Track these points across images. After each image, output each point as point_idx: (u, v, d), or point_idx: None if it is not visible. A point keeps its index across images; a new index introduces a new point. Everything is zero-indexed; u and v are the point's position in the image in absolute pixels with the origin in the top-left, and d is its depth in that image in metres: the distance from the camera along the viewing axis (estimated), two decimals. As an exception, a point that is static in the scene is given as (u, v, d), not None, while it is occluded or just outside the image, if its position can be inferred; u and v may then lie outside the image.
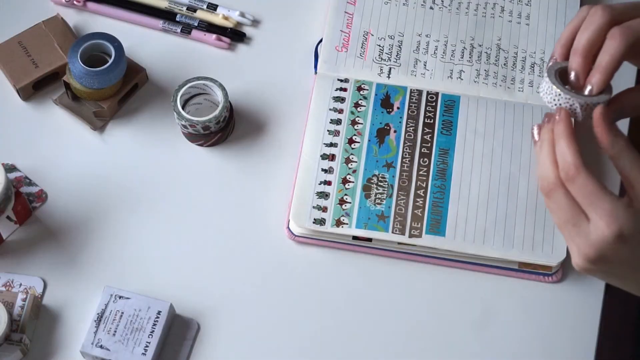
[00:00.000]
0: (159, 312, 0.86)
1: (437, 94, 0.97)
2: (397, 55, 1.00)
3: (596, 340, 0.89)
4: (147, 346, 0.85)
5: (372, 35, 1.00)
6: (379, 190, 0.93)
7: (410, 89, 0.97)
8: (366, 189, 0.93)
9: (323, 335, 0.89)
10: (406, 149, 0.94)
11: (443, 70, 0.99)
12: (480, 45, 1.00)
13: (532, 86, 0.98)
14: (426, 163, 0.94)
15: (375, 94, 0.97)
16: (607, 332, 0.90)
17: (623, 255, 0.74)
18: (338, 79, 0.98)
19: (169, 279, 0.91)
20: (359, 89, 0.97)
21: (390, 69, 0.99)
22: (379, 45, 1.00)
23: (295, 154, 0.95)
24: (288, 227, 0.92)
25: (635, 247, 0.74)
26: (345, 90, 0.97)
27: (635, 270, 0.75)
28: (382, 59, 0.99)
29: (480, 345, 0.88)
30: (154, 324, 0.86)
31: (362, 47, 1.00)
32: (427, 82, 0.98)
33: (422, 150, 0.94)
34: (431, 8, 1.02)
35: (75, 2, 1.02)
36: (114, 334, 0.85)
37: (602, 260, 0.75)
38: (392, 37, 1.01)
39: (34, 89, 0.98)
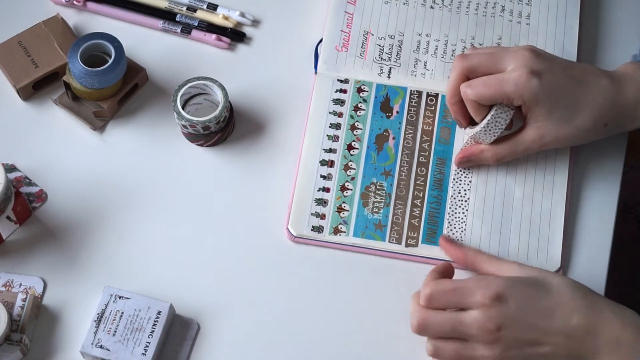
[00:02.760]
0: (159, 312, 0.86)
1: (436, 95, 0.97)
2: (397, 55, 0.99)
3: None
4: (147, 346, 0.85)
5: (372, 35, 1.00)
6: (376, 198, 0.93)
7: (410, 90, 0.97)
8: (364, 197, 0.93)
9: (323, 335, 0.89)
10: (404, 157, 0.94)
11: (443, 70, 0.99)
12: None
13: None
14: (423, 172, 0.94)
15: (375, 96, 0.97)
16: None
17: (512, 315, 0.80)
18: (338, 80, 0.98)
19: (169, 279, 0.91)
20: (359, 90, 0.97)
21: (390, 69, 0.99)
22: (379, 45, 1.00)
23: (295, 154, 0.95)
24: (288, 228, 0.92)
25: (519, 304, 0.80)
26: (345, 91, 0.97)
27: (532, 328, 0.80)
28: (382, 58, 0.99)
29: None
30: (154, 324, 0.86)
31: (362, 47, 1.00)
32: (428, 82, 0.98)
33: (420, 159, 0.94)
34: (431, 7, 1.02)
35: (75, 2, 1.02)
36: (114, 334, 0.85)
37: (503, 328, 0.80)
38: (392, 36, 1.00)
39: (34, 89, 0.98)
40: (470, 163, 0.94)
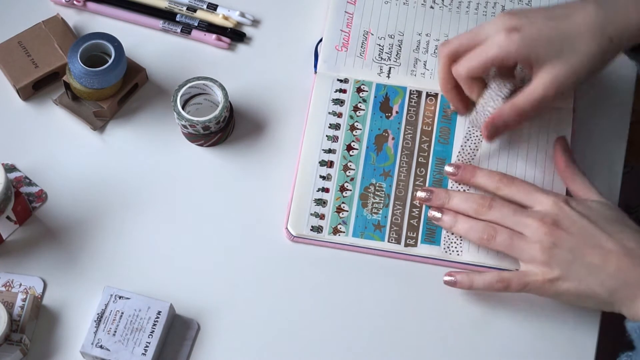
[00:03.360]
0: (159, 312, 0.86)
1: (436, 95, 0.97)
2: (397, 55, 0.99)
3: (596, 341, 0.89)
4: (147, 346, 0.85)
5: (372, 34, 1.00)
6: (375, 199, 0.93)
7: (410, 90, 0.97)
8: (363, 197, 0.93)
9: (323, 334, 0.89)
10: (403, 158, 0.94)
11: (443, 70, 0.99)
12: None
13: (532, 86, 0.98)
14: (422, 173, 0.94)
15: (375, 96, 0.97)
16: (607, 332, 0.90)
17: (571, 220, 0.84)
18: (338, 79, 0.98)
19: (169, 279, 0.91)
20: (359, 90, 0.97)
21: (390, 68, 0.99)
22: (379, 45, 1.00)
23: (295, 154, 0.95)
24: (287, 228, 0.92)
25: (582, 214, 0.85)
26: (344, 91, 0.97)
27: (588, 236, 0.84)
28: (382, 58, 0.99)
29: (480, 345, 0.88)
30: (154, 324, 0.86)
31: (362, 47, 1.00)
32: (427, 82, 0.98)
33: (419, 160, 0.94)
34: (431, 7, 1.02)
35: (75, 2, 1.02)
36: (114, 334, 0.85)
37: (557, 228, 0.84)
38: (392, 36, 1.00)
39: (34, 89, 0.98)
40: (496, 130, 0.90)
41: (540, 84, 0.87)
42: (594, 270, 0.83)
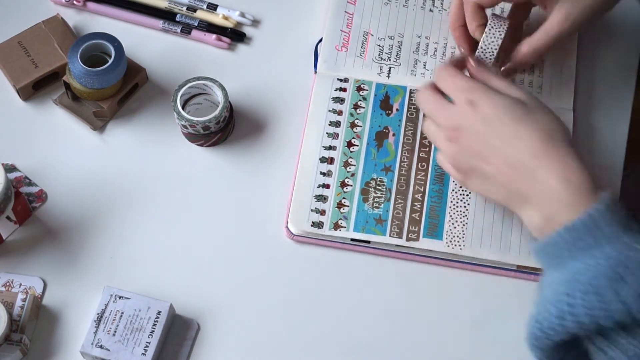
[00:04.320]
0: (159, 312, 0.86)
1: (436, 93, 0.97)
2: (397, 55, 1.00)
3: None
4: (147, 346, 0.85)
5: (372, 35, 1.00)
6: (377, 194, 0.93)
7: (410, 89, 0.97)
8: (364, 192, 0.93)
9: (323, 334, 0.89)
10: (404, 153, 0.94)
11: (443, 70, 0.99)
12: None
13: (532, 87, 0.98)
14: (424, 168, 0.94)
15: (375, 95, 0.97)
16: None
17: (475, 124, 0.83)
18: (338, 79, 0.98)
19: (169, 279, 0.91)
20: (359, 89, 0.97)
21: (390, 68, 0.99)
22: (379, 45, 1.00)
23: (295, 154, 0.95)
24: (287, 227, 0.92)
25: (486, 118, 0.83)
26: (344, 90, 0.97)
27: (485, 143, 0.82)
28: (382, 58, 0.99)
29: (479, 344, 0.88)
30: (154, 324, 0.86)
31: (362, 47, 1.00)
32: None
33: (421, 155, 0.94)
34: (431, 10, 1.02)
35: (75, 2, 1.02)
36: (113, 334, 0.85)
37: (461, 130, 0.83)
38: (392, 37, 1.01)
39: (34, 89, 0.98)
40: (514, 69, 0.92)
41: (555, 21, 0.89)
42: (488, 179, 0.84)
